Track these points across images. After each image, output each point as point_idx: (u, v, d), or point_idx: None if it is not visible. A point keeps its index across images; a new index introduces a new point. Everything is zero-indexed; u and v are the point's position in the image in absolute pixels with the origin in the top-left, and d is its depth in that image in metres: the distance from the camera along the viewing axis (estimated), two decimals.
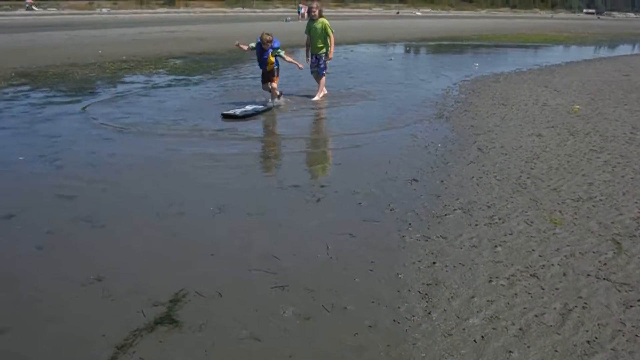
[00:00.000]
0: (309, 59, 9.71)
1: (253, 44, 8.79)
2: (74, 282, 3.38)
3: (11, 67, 14.22)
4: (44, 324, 2.96)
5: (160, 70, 14.29)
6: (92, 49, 18.96)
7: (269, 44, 8.58)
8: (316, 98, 9.60)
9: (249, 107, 8.48)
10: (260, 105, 8.78)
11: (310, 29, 9.53)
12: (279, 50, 8.76)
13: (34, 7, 60.58)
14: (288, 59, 8.99)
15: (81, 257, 3.76)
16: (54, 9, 63.35)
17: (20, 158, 6.12)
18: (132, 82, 12.08)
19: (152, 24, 37.31)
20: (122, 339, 2.80)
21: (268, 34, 8.57)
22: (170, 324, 2.93)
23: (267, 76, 8.98)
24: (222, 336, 2.84)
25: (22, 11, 58.72)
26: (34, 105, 9.23)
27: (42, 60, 15.82)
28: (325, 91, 9.83)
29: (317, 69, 9.67)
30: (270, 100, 9.09)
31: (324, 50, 9.49)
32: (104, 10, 65.20)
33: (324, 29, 9.37)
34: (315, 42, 9.48)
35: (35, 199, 4.86)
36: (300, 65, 9.22)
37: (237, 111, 8.25)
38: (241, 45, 8.92)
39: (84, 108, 8.92)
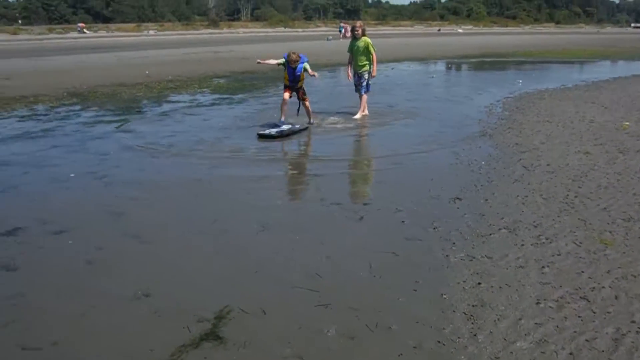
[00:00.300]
0: (351, 77, 9.75)
1: (281, 60, 8.76)
2: (123, 297, 3.46)
3: (63, 87, 14.83)
4: (94, 337, 3.04)
5: (205, 89, 14.64)
6: (140, 69, 19.56)
7: (297, 62, 8.63)
8: (358, 116, 9.62)
9: (285, 127, 8.50)
10: (297, 125, 8.78)
11: (352, 48, 9.58)
12: (307, 64, 8.74)
13: (85, 30, 63.12)
14: (310, 72, 8.87)
15: (129, 272, 3.86)
16: (104, 31, 65.85)
17: (72, 175, 6.34)
18: (178, 101, 12.41)
19: (197, 44, 38.29)
20: (168, 354, 2.84)
21: (294, 53, 8.63)
22: (215, 340, 2.97)
23: (298, 93, 8.96)
24: (266, 354, 2.85)
25: (74, 34, 61.24)
26: (85, 124, 9.58)
27: (92, 80, 16.44)
28: (366, 112, 9.83)
29: (360, 87, 9.67)
30: (308, 120, 9.08)
31: (366, 68, 9.52)
32: (151, 32, 67.40)
33: (367, 47, 9.40)
34: (357, 60, 9.52)
35: (85, 215, 5.02)
36: (316, 74, 9.00)
37: (273, 131, 8.29)
38: (266, 61, 9.03)
39: (118, 126, 9.20)
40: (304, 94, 9.01)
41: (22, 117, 10.44)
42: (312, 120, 9.08)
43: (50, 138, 8.47)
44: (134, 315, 3.26)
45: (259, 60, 9.13)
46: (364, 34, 9.51)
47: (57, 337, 3.03)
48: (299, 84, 8.90)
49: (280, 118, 8.87)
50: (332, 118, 9.63)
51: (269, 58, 9.17)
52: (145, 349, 2.90)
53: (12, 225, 4.71)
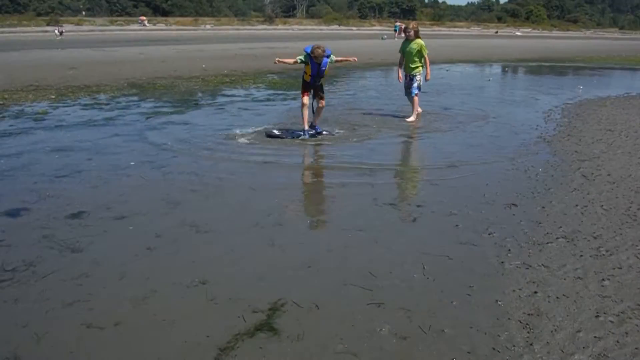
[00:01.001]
0: (402, 78, 9.67)
1: (301, 57, 8.03)
2: (181, 284, 3.57)
3: (124, 78, 15.34)
4: (153, 320, 3.15)
5: (259, 84, 14.84)
6: (196, 62, 20.01)
7: (322, 57, 7.90)
8: (412, 119, 9.52)
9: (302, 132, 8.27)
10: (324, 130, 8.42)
11: (404, 49, 9.46)
12: (332, 57, 8.03)
13: (145, 23, 65.07)
14: (340, 58, 8.39)
15: (187, 260, 3.97)
16: (163, 24, 67.56)
17: (132, 163, 6.56)
18: (233, 95, 12.63)
19: (252, 40, 38.82)
20: (224, 342, 2.92)
21: (319, 47, 7.92)
22: (269, 332, 3.03)
23: (316, 91, 8.26)
24: (320, 348, 2.89)
25: (135, 26, 63.14)
26: (144, 114, 9.88)
27: (151, 72, 16.93)
28: (419, 109, 9.73)
29: (411, 89, 9.54)
30: (314, 122, 8.31)
31: (417, 70, 9.39)
32: (208, 26, 68.70)
33: (420, 49, 9.27)
34: (408, 62, 9.41)
35: (144, 203, 5.19)
36: (354, 58, 8.63)
37: (276, 131, 8.27)
38: (284, 60, 8.36)
39: (176, 118, 9.42)
40: (323, 92, 8.35)
41: (86, 105, 10.86)
42: (336, 131, 8.39)
43: (111, 127, 8.77)
44: (191, 302, 3.36)
45: (277, 60, 8.47)
46: (417, 36, 9.34)
47: (119, 318, 3.15)
48: (321, 81, 8.26)
49: (304, 127, 8.15)
50: (386, 119, 9.58)
51: (287, 57, 8.57)
52: (202, 335, 2.99)
53: (77, 209, 4.93)
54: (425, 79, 9.50)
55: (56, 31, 46.71)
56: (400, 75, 9.69)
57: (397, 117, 9.91)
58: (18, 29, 54.21)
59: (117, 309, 3.27)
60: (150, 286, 3.54)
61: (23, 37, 40.59)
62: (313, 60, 7.85)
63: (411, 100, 9.64)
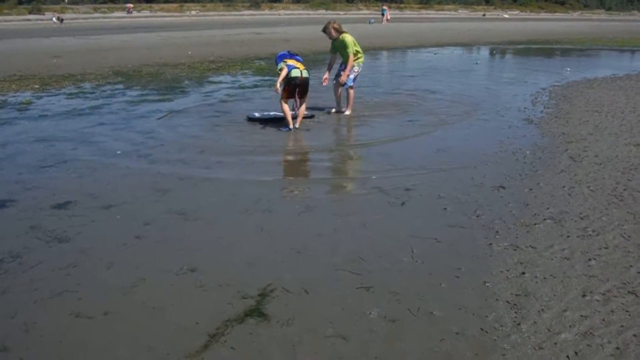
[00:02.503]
0: (326, 80, 8.74)
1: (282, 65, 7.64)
2: (170, 272, 3.56)
3: (109, 66, 15.17)
4: (143, 309, 3.15)
5: (247, 70, 14.73)
6: (182, 49, 19.82)
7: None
8: (348, 112, 8.75)
9: (272, 113, 8.33)
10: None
11: (334, 50, 8.75)
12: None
13: (132, 11, 64.28)
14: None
15: (176, 247, 3.95)
16: (147, 11, 66.72)
17: (118, 152, 6.50)
18: (220, 82, 12.53)
19: (239, 26, 38.48)
20: (214, 328, 2.92)
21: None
22: (259, 317, 3.03)
23: (301, 89, 7.73)
24: (310, 332, 2.90)
25: (119, 13, 62.33)
26: (130, 103, 9.78)
27: (137, 59, 16.75)
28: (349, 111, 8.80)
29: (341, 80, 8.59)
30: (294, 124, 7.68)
31: (357, 61, 8.57)
32: (193, 12, 67.93)
33: (346, 46, 8.38)
34: (344, 57, 8.53)
35: (132, 191, 5.16)
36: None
37: (257, 114, 8.32)
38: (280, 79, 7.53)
39: (163, 106, 9.35)
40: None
41: (70, 94, 10.72)
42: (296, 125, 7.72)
43: (97, 115, 8.68)
44: (181, 289, 3.36)
45: (277, 88, 7.65)
46: (341, 32, 8.44)
47: (108, 308, 3.14)
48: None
49: (291, 124, 7.61)
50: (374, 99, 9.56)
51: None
52: (192, 322, 2.99)
53: (64, 199, 4.89)
54: (340, 80, 8.52)
55: (54, 19, 46.24)
56: (327, 76, 8.73)
57: (372, 100, 9.87)
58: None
59: (106, 298, 3.26)
60: (139, 274, 3.53)
61: (4, 27, 39.91)
62: (294, 55, 7.94)
63: (347, 93, 8.69)
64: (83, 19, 53.09)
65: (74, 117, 8.59)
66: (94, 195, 5.01)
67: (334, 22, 8.61)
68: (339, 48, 8.53)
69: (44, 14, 53.01)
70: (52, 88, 11.50)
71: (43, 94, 10.73)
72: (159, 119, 8.36)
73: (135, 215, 4.56)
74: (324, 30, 8.62)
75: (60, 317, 3.05)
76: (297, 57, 7.92)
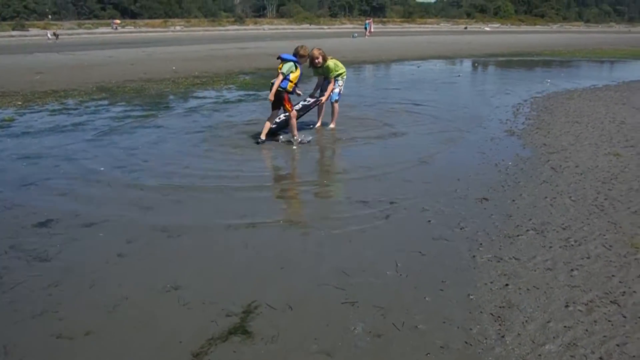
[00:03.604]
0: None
1: (286, 69, 7.50)
2: (153, 290, 3.53)
3: (93, 82, 15.10)
4: (125, 328, 3.11)
5: (231, 85, 14.74)
6: (167, 65, 19.81)
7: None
8: (332, 125, 8.76)
9: (282, 116, 8.25)
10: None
11: (319, 74, 8.73)
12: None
13: (118, 27, 64.37)
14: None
15: (159, 265, 3.92)
16: (132, 27, 66.73)
17: (101, 169, 6.45)
18: (204, 97, 12.52)
19: (223, 41, 38.57)
20: (198, 347, 2.89)
21: (303, 46, 7.82)
22: (243, 335, 3.01)
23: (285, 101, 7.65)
24: (294, 349, 2.88)
25: (103, 29, 62.27)
26: (114, 119, 9.73)
27: (121, 75, 16.70)
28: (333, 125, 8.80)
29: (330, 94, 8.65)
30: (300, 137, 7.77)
31: (340, 75, 8.62)
32: (178, 28, 68.05)
33: (329, 70, 8.44)
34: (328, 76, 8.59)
35: (115, 209, 5.11)
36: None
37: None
38: (275, 86, 7.50)
39: (147, 122, 9.32)
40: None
41: (54, 111, 10.64)
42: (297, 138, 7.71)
43: (80, 132, 8.62)
44: (164, 308, 3.32)
45: (271, 96, 7.57)
46: (325, 60, 8.33)
47: (89, 327, 3.10)
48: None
49: (296, 135, 7.71)
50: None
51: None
52: (175, 341, 2.96)
53: (45, 217, 4.83)
54: (318, 101, 8.65)
55: (49, 34, 46.37)
56: (316, 96, 8.82)
57: (358, 118, 9.92)
58: None
59: (88, 318, 3.22)
60: (122, 293, 3.50)
61: None
62: (300, 64, 7.69)
63: (331, 106, 8.75)
64: (68, 35, 52.88)
65: (57, 133, 8.52)
66: (76, 213, 4.96)
67: (320, 51, 8.29)
68: (323, 73, 8.61)
69: (27, 30, 52.75)
70: (35, 104, 11.42)
71: (26, 111, 10.64)
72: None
73: (118, 232, 4.52)
74: (311, 62, 8.29)
75: (41, 338, 3.01)
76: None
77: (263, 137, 7.66)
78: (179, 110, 10.80)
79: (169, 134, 8.42)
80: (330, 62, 8.47)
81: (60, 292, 3.53)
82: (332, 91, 8.54)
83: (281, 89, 7.52)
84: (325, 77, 8.64)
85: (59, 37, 46.16)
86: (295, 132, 7.74)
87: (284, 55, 7.73)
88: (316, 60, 8.27)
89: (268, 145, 7.57)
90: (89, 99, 12.32)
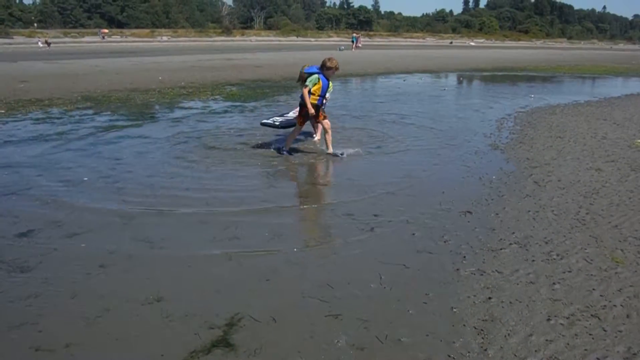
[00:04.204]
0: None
1: (311, 81, 7.52)
2: (135, 301, 3.49)
3: (78, 91, 15.01)
4: (106, 340, 3.07)
5: (217, 96, 14.73)
6: (153, 75, 19.75)
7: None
8: (317, 138, 8.69)
9: (291, 114, 8.46)
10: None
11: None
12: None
13: (105, 36, 64.24)
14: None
15: (141, 277, 3.89)
16: (118, 36, 66.55)
17: (85, 179, 6.39)
18: (190, 108, 12.50)
19: (210, 52, 38.57)
20: None
21: (331, 59, 7.59)
22: (226, 347, 2.99)
23: (319, 113, 7.72)
24: None
25: (89, 38, 62.02)
26: (98, 128, 9.66)
27: (106, 85, 16.61)
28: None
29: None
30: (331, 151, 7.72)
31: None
32: (165, 38, 67.99)
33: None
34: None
35: (97, 219, 5.06)
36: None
37: (277, 120, 8.36)
38: (307, 101, 7.42)
39: (132, 132, 9.27)
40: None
41: (37, 119, 10.56)
42: (336, 152, 7.69)
43: (64, 141, 8.54)
44: (146, 320, 3.29)
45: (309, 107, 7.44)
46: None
47: (70, 340, 3.06)
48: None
49: (287, 147, 7.81)
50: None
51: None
52: (157, 354, 2.93)
53: (26, 227, 4.77)
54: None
55: (39, 43, 46.22)
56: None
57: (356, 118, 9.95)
58: None
59: (68, 330, 3.17)
60: (103, 305, 3.45)
61: None
62: (325, 76, 7.56)
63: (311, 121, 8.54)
64: (53, 43, 52.54)
65: (40, 142, 8.44)
66: (58, 223, 4.91)
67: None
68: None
69: (12, 38, 52.39)
70: (18, 113, 11.31)
71: (9, 119, 10.53)
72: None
73: (100, 243, 4.47)
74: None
75: (20, 351, 2.96)
76: (326, 80, 7.65)
77: (330, 150, 7.68)
78: (165, 120, 10.76)
79: (154, 144, 8.37)
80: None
81: (40, 303, 3.48)
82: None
83: (303, 102, 7.51)
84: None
85: (51, 44, 45.98)
86: (289, 143, 7.84)
87: (307, 69, 7.67)
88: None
89: (255, 157, 7.55)
90: (74, 108, 12.24)
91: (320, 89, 7.55)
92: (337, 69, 7.56)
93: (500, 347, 3.02)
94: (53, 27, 78.37)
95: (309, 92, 7.47)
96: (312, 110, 7.46)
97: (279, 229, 4.82)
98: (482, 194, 5.97)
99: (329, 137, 7.73)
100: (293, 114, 8.28)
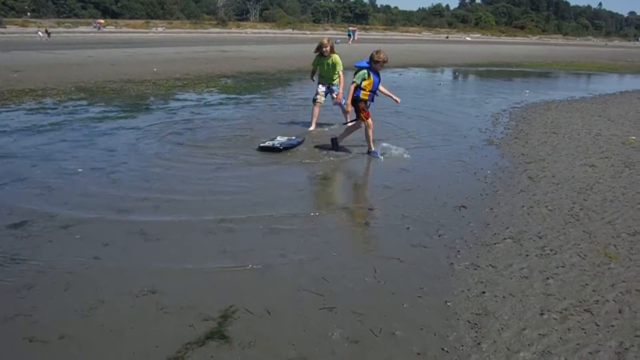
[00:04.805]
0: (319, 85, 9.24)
1: (359, 77, 7.24)
2: (129, 294, 3.49)
3: (72, 82, 14.91)
4: (100, 332, 3.07)
5: (212, 88, 14.68)
6: (148, 66, 19.65)
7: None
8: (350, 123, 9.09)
9: (281, 139, 7.85)
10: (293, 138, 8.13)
11: (318, 64, 9.13)
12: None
13: (101, 27, 63.82)
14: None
15: (136, 268, 3.88)
16: (112, 27, 66.10)
17: (79, 170, 6.36)
18: (185, 99, 12.45)
19: (205, 43, 38.39)
20: (174, 352, 2.87)
21: (380, 51, 7.26)
22: (220, 340, 2.99)
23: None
24: (271, 354, 2.87)
25: (83, 28, 61.60)
26: (92, 119, 9.62)
27: (101, 75, 16.51)
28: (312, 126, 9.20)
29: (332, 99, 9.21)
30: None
31: (337, 81, 9.10)
32: (159, 29, 67.59)
33: (335, 65, 8.96)
34: (329, 75, 9.10)
35: (91, 211, 5.03)
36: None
37: (277, 144, 7.57)
38: (350, 94, 7.26)
39: (126, 123, 9.23)
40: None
41: (31, 110, 10.49)
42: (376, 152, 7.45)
43: (58, 132, 8.50)
44: (140, 312, 3.29)
45: (348, 105, 7.38)
46: (332, 52, 8.96)
47: (64, 331, 3.05)
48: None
49: (373, 148, 7.46)
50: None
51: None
52: (151, 345, 2.93)
53: (20, 219, 4.75)
54: (335, 101, 9.14)
55: (40, 33, 45.98)
56: (313, 79, 9.47)
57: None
58: None
59: (63, 321, 3.16)
60: (97, 296, 3.45)
61: None
62: (375, 71, 7.29)
63: (342, 108, 8.83)
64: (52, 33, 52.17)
65: (33, 133, 8.39)
66: (51, 214, 4.88)
67: (329, 41, 9.08)
68: (327, 65, 8.99)
69: (5, 27, 52.01)
70: (11, 103, 11.23)
71: (2, 109, 10.46)
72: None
73: (95, 235, 4.46)
74: (319, 48, 8.97)
75: (13, 342, 2.95)
76: (376, 76, 7.39)
77: (372, 148, 7.42)
78: (159, 112, 10.72)
79: (148, 135, 8.34)
80: (336, 56, 8.95)
81: (34, 294, 3.47)
82: (338, 94, 8.98)
83: (355, 98, 7.28)
84: (326, 72, 9.06)
85: (51, 34, 45.67)
86: (371, 143, 7.44)
87: (357, 63, 7.44)
88: (324, 49, 8.86)
89: (246, 149, 7.53)
90: (68, 98, 12.17)
91: (372, 84, 7.25)
92: (385, 61, 7.25)
93: (493, 341, 3.04)
94: (47, 17, 77.72)
95: (359, 88, 7.22)
96: (349, 108, 7.37)
97: (273, 222, 4.81)
98: (477, 189, 5.99)
99: (370, 135, 7.42)
100: (281, 138, 7.90)
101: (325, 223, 4.88)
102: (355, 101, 7.32)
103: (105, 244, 4.29)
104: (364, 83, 7.23)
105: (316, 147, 7.85)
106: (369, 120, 7.38)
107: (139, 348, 2.91)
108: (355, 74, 7.31)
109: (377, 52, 7.21)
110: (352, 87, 7.22)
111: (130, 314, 3.26)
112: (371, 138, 7.44)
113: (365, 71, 7.24)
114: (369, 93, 7.31)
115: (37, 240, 4.30)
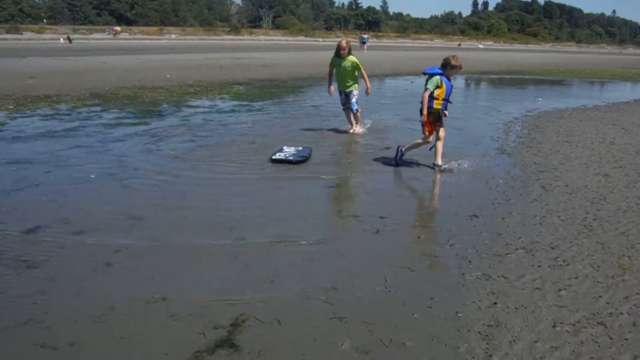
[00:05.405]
0: (333, 90, 9.46)
1: (432, 84, 6.92)
2: (140, 300, 3.50)
3: (86, 88, 15.06)
4: (111, 339, 3.08)
5: (225, 95, 14.76)
6: (161, 73, 19.79)
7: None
8: (358, 130, 9.55)
9: (288, 149, 7.71)
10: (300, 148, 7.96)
11: (337, 65, 9.20)
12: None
13: (117, 34, 64.55)
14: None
15: (147, 275, 3.89)
16: (127, 34, 66.77)
17: (92, 176, 6.42)
18: (197, 106, 12.52)
19: (218, 50, 38.64)
20: (184, 359, 2.87)
21: (455, 56, 7.02)
22: (230, 348, 2.99)
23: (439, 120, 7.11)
24: None
25: (98, 35, 62.32)
26: (106, 125, 9.70)
27: (114, 82, 16.66)
28: (360, 129, 9.65)
29: (350, 105, 9.36)
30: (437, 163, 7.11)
31: (353, 86, 9.23)
32: (173, 36, 68.17)
33: (354, 66, 9.06)
34: (344, 79, 9.19)
35: (104, 217, 5.07)
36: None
37: (290, 156, 7.38)
38: (425, 104, 6.94)
39: (139, 129, 9.30)
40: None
41: (45, 116, 10.60)
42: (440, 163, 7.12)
43: (72, 138, 8.58)
44: (151, 318, 3.30)
45: (425, 116, 6.97)
46: (350, 53, 9.09)
47: (74, 338, 3.07)
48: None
49: (440, 162, 7.07)
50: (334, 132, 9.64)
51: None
52: (161, 353, 2.93)
53: (33, 224, 4.79)
54: (366, 93, 9.29)
55: (61, 39, 46.83)
56: (332, 88, 9.45)
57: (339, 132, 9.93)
58: None
59: (73, 328, 3.18)
60: (108, 303, 3.46)
61: None
62: (447, 77, 6.96)
63: (353, 115, 9.47)
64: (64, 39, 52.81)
65: (48, 139, 8.48)
66: (65, 220, 4.92)
67: (348, 44, 9.24)
68: (342, 67, 9.12)
69: (22, 34, 52.73)
70: (26, 109, 11.36)
71: (17, 115, 10.59)
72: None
73: (107, 241, 4.48)
74: (337, 50, 9.12)
75: (25, 348, 2.97)
76: (449, 82, 7.08)
77: (439, 161, 7.06)
78: (172, 118, 10.79)
79: (162, 142, 8.39)
80: (352, 57, 9.11)
81: (46, 300, 3.49)
82: (354, 102, 9.29)
83: (429, 109, 6.92)
84: (339, 74, 9.22)
85: (72, 41, 46.44)
86: (439, 158, 7.10)
87: (428, 70, 7.10)
88: (342, 51, 9.00)
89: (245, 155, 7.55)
90: (82, 104, 12.29)
91: (444, 92, 6.92)
92: (460, 67, 7.03)
93: (505, 354, 3.01)
94: (62, 24, 78.71)
95: (432, 97, 6.89)
96: (425, 119, 6.88)
97: (283, 229, 4.81)
98: (489, 198, 5.95)
99: (440, 146, 7.12)
100: (291, 149, 7.72)
101: (335, 231, 4.87)
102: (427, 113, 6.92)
103: (117, 250, 4.31)
104: (437, 92, 6.88)
105: (329, 154, 7.84)
106: (430, 138, 7.05)
107: (149, 355, 2.92)
108: (427, 81, 6.98)
109: (454, 56, 6.93)
110: (426, 95, 6.86)
111: (140, 321, 3.26)
112: (414, 147, 7.26)
113: (438, 77, 6.87)
114: (442, 102, 6.97)
115: (50, 246, 4.33)
